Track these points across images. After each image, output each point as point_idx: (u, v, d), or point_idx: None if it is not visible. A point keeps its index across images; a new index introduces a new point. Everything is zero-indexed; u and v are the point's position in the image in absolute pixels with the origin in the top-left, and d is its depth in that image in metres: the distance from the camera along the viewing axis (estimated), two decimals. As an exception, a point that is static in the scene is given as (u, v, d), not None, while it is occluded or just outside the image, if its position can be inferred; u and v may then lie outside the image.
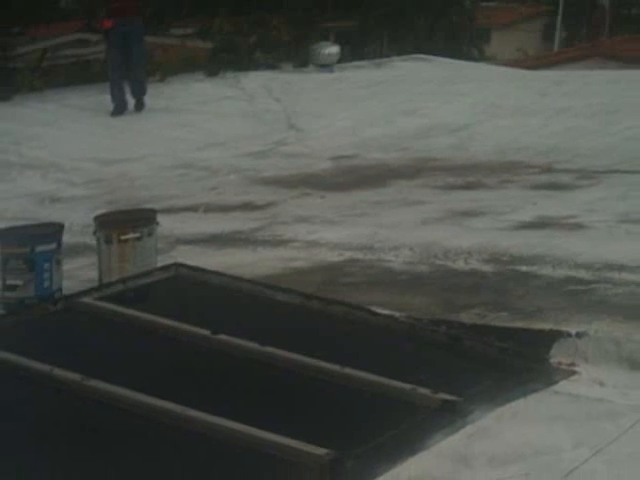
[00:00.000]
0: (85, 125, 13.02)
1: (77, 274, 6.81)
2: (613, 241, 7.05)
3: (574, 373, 5.07)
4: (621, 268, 6.33)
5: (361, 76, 16.64)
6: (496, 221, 7.84)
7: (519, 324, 5.52)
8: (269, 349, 5.22)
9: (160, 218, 6.92)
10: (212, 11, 20.66)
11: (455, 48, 23.85)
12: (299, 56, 18.92)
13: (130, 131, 12.95)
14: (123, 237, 6.56)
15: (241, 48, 18.85)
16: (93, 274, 6.65)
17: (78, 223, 7.71)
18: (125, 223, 6.75)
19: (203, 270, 6.44)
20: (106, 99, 13.72)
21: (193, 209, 8.98)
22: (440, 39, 24.70)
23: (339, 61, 17.56)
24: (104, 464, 4.34)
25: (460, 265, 6.69)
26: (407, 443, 4.36)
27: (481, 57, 25.80)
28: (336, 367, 5.01)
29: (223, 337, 5.39)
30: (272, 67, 18.07)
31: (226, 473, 4.22)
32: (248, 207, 9.01)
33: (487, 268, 6.59)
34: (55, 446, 4.50)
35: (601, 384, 4.94)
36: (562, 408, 4.72)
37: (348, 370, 4.98)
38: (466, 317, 5.70)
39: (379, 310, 5.78)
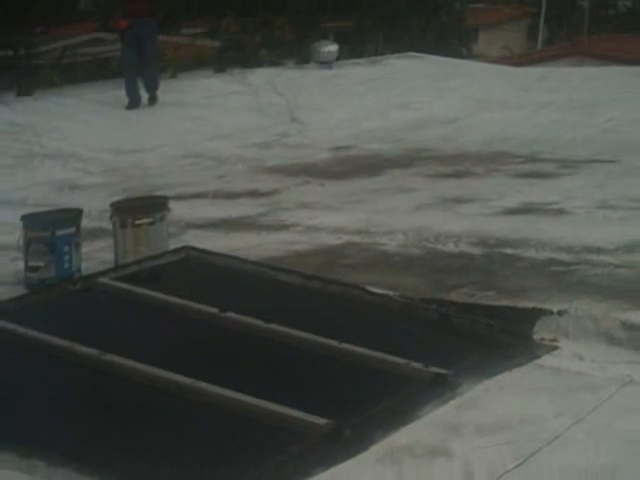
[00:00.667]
0: (102, 118, 12.98)
1: (95, 256, 6.80)
2: (592, 226, 7.04)
3: (556, 348, 5.08)
4: (599, 251, 6.33)
5: (358, 73, 16.59)
6: (484, 207, 7.83)
7: (505, 302, 5.52)
8: (273, 326, 5.22)
9: (171, 204, 6.92)
10: (220, 12, 20.64)
11: (445, 47, 23.79)
12: (301, 54, 18.87)
13: (143, 124, 12.92)
14: (137, 222, 6.56)
15: (247, 47, 18.81)
16: (109, 256, 6.64)
17: (95, 209, 7.69)
18: (139, 209, 6.76)
19: (211, 252, 6.44)
20: (121, 94, 13.69)
21: (202, 196, 8.97)
22: (431, 38, 24.64)
23: (338, 59, 17.51)
24: (120, 431, 4.34)
25: (450, 248, 6.68)
26: (401, 413, 4.36)
27: (469, 55, 25.73)
28: (334, 343, 5.01)
29: (230, 315, 5.39)
30: (276, 64, 18.01)
31: (233, 441, 4.22)
32: (253, 194, 8.99)
33: (475, 251, 6.58)
34: (74, 415, 4.50)
35: (581, 358, 4.94)
36: (545, 381, 4.72)
37: (346, 345, 4.98)
38: (455, 296, 5.70)
39: (375, 289, 5.78)
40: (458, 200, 8.12)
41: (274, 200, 8.66)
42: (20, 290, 6.23)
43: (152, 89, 13.92)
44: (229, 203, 8.65)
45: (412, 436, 4.16)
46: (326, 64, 17.13)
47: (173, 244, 6.68)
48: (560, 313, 5.25)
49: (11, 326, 5.26)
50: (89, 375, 4.84)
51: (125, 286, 5.91)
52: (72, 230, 6.45)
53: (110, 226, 6.72)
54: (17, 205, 8.41)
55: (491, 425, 4.23)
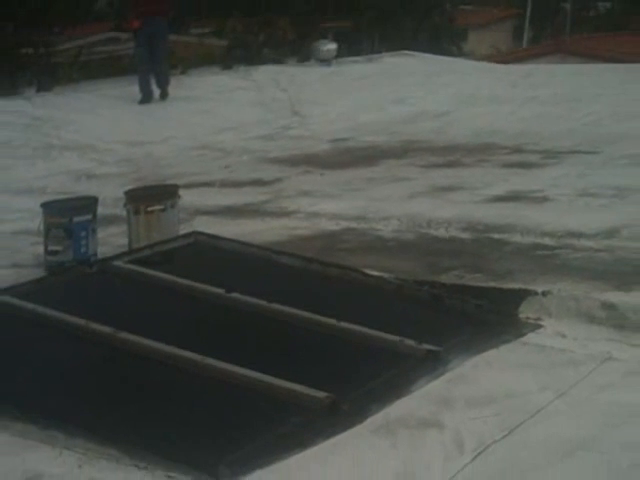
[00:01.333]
0: (116, 112, 12.95)
1: (110, 241, 6.78)
2: (574, 212, 7.02)
3: (540, 327, 5.07)
4: (580, 235, 6.32)
5: (355, 70, 16.55)
6: (473, 195, 7.81)
7: (492, 284, 5.51)
8: (275, 306, 5.21)
9: (181, 192, 6.90)
10: (226, 13, 20.58)
11: (437, 45, 23.77)
12: (302, 52, 18.86)
13: (155, 117, 12.90)
14: (149, 209, 6.55)
15: (251, 45, 18.79)
16: (123, 241, 6.63)
17: (110, 197, 7.67)
18: (151, 197, 6.74)
19: (218, 237, 6.43)
20: (134, 89, 13.66)
21: (210, 184, 8.95)
22: (424, 38, 24.62)
23: (336, 57, 17.49)
24: (133, 404, 4.34)
25: (441, 233, 6.67)
26: (395, 387, 4.35)
27: (460, 53, 25.72)
28: (333, 321, 5.00)
29: (235, 295, 5.38)
30: (278, 62, 17.98)
31: (240, 413, 4.21)
32: (257, 183, 8.98)
33: (465, 236, 6.57)
34: (90, 389, 4.50)
35: (563, 336, 4.93)
36: (530, 357, 4.71)
37: (344, 324, 4.97)
38: (446, 278, 5.69)
39: (371, 272, 5.77)
40: (449, 188, 8.11)
41: (277, 188, 8.64)
42: (40, 272, 6.22)
43: (163, 85, 13.91)
44: (235, 191, 8.64)
45: (406, 409, 4.15)
46: (326, 62, 17.11)
47: (183, 229, 6.67)
48: (544, 294, 5.24)
49: (31, 305, 5.26)
50: (104, 352, 4.83)
51: (138, 269, 5.90)
52: (89, 217, 6.45)
53: (124, 213, 6.70)
54: (37, 193, 8.40)
55: (480, 398, 4.22)
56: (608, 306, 5.05)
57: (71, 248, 6.30)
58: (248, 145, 11.17)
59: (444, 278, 5.69)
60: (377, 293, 5.57)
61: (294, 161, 10.02)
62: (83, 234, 6.36)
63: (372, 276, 5.72)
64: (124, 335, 4.85)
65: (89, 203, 6.61)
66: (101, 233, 6.65)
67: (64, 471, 3.75)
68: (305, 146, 10.92)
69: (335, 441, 3.91)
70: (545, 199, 7.51)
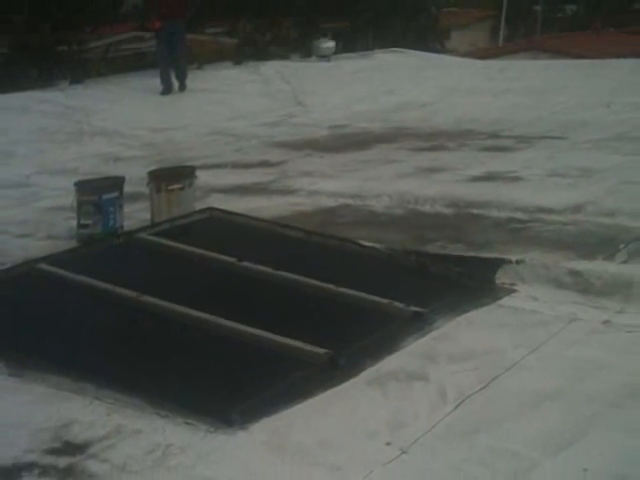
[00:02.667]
0: (140, 102, 12.89)
1: (134, 215, 6.74)
2: (544, 190, 6.98)
3: (514, 291, 5.04)
4: (550, 211, 6.28)
5: (351, 65, 16.46)
6: (454, 175, 7.75)
7: (472, 254, 5.48)
8: (280, 272, 5.19)
9: (198, 173, 6.87)
10: (237, 15, 20.46)
11: (423, 43, 23.58)
12: (304, 49, 18.72)
13: (175, 107, 12.85)
14: (170, 187, 6.53)
15: (259, 43, 18.65)
16: (146, 215, 6.59)
17: (135, 177, 7.60)
18: (171, 177, 6.72)
19: (231, 212, 6.41)
20: (156, 82, 13.58)
21: (223, 166, 8.89)
22: (412, 36, 24.41)
23: (335, 53, 17.40)
24: (154, 359, 4.33)
25: (427, 209, 6.62)
26: (386, 345, 4.33)
27: (443, 50, 25.48)
28: (332, 286, 4.99)
29: (246, 264, 5.36)
30: (283, 58, 17.85)
31: (248, 367, 4.19)
32: (265, 164, 8.92)
33: (448, 211, 6.52)
34: (116, 346, 4.48)
35: (535, 299, 4.91)
36: (505, 318, 4.69)
37: (341, 289, 4.95)
38: (431, 248, 5.65)
39: (365, 243, 5.74)
40: (433, 169, 8.05)
41: (282, 169, 8.59)
42: (72, 243, 6.21)
43: (182, 78, 13.88)
44: (245, 172, 8.58)
45: (396, 364, 4.13)
46: (325, 57, 17.04)
47: (199, 205, 6.63)
48: (518, 262, 5.21)
49: (65, 272, 5.24)
50: (129, 313, 4.81)
51: (159, 240, 5.89)
52: (116, 194, 6.43)
53: (147, 191, 6.66)
54: (70, 174, 8.35)
55: (461, 354, 4.20)
56: (574, 273, 5.02)
57: (100, 222, 6.28)
58: (256, 131, 11.10)
59: (429, 248, 5.65)
60: (370, 261, 5.54)
61: (297, 145, 9.96)
62: (111, 209, 6.34)
63: (366, 246, 5.68)
64: (146, 298, 4.84)
65: (116, 182, 6.58)
66: (127, 208, 6.61)
67: (94, 419, 3.74)
68: (307, 132, 10.85)
69: (333, 392, 3.90)
70: (518, 179, 7.46)
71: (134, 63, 16.80)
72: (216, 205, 6.62)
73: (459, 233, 5.95)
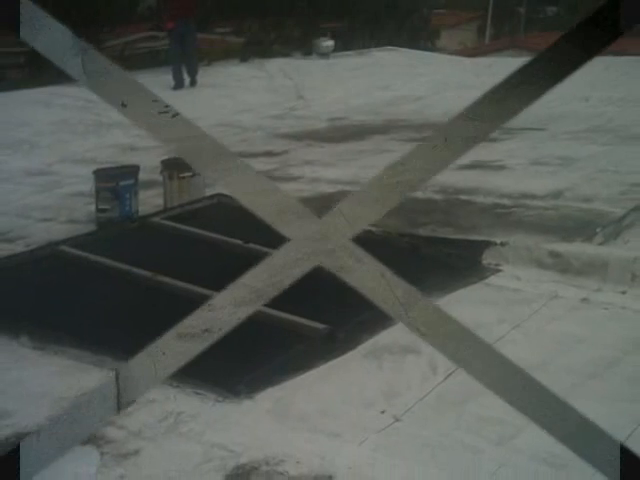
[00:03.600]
0: (154, 96, 12.83)
1: (149, 201, 6.72)
2: (527, 178, 6.96)
3: (499, 271, 5.03)
4: (532, 197, 6.26)
5: (349, 62, 16.40)
6: (444, 164, 7.71)
7: (460, 236, 5.46)
8: (284, 254, 5.15)
9: (207, 162, 6.82)
10: (244, 15, 20.37)
11: (416, 42, 23.49)
12: (305, 48, 18.63)
13: (186, 100, 12.71)
14: (181, 175, 6.50)
15: (264, 42, 18.56)
16: (160, 201, 6.57)
17: (149, 165, 7.56)
18: (183, 165, 6.64)
19: (237, 198, 6.35)
20: (169, 78, 13.53)
21: (230, 155, 8.85)
22: (405, 36, 24.31)
23: (333, 51, 17.32)
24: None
25: (418, 195, 6.58)
26: (382, 320, 4.29)
27: (434, 49, 25.38)
28: (331, 267, 4.94)
29: (251, 245, 5.33)
30: (286, 55, 17.77)
31: (253, 341, 4.16)
32: (269, 154, 8.88)
33: (438, 197, 6.50)
34: (133, 322, 4.46)
35: (518, 279, 4.89)
36: (491, 295, 4.67)
37: (339, 269, 4.91)
38: (423, 231, 5.64)
39: (361, 226, 5.69)
40: (425, 158, 8.01)
41: (285, 158, 8.56)
42: (92, 227, 6.19)
43: (193, 74, 13.84)
44: (250, 161, 8.48)
45: (391, 337, 4.11)
46: (324, 55, 16.96)
47: (208, 192, 6.59)
48: (502, 244, 5.19)
49: (84, 254, 5.21)
50: (144, 292, 4.79)
51: (172, 224, 5.86)
52: (132, 181, 6.40)
53: (161, 178, 6.63)
54: (90, 162, 8.32)
55: (450, 329, 4.17)
56: (555, 254, 5.00)
57: (117, 207, 6.25)
58: (261, 123, 11.06)
59: (421, 231, 5.64)
60: (365, 243, 5.48)
61: (299, 136, 9.92)
62: (127, 195, 6.31)
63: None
64: (160, 278, 4.82)
65: (132, 170, 6.55)
66: (142, 195, 6.58)
67: (112, 389, 3.72)
68: (307, 124, 10.81)
69: (332, 364, 3.88)
70: (503, 167, 7.43)
71: (148, 60, 16.73)
72: (224, 192, 6.58)
73: (448, 217, 5.93)
